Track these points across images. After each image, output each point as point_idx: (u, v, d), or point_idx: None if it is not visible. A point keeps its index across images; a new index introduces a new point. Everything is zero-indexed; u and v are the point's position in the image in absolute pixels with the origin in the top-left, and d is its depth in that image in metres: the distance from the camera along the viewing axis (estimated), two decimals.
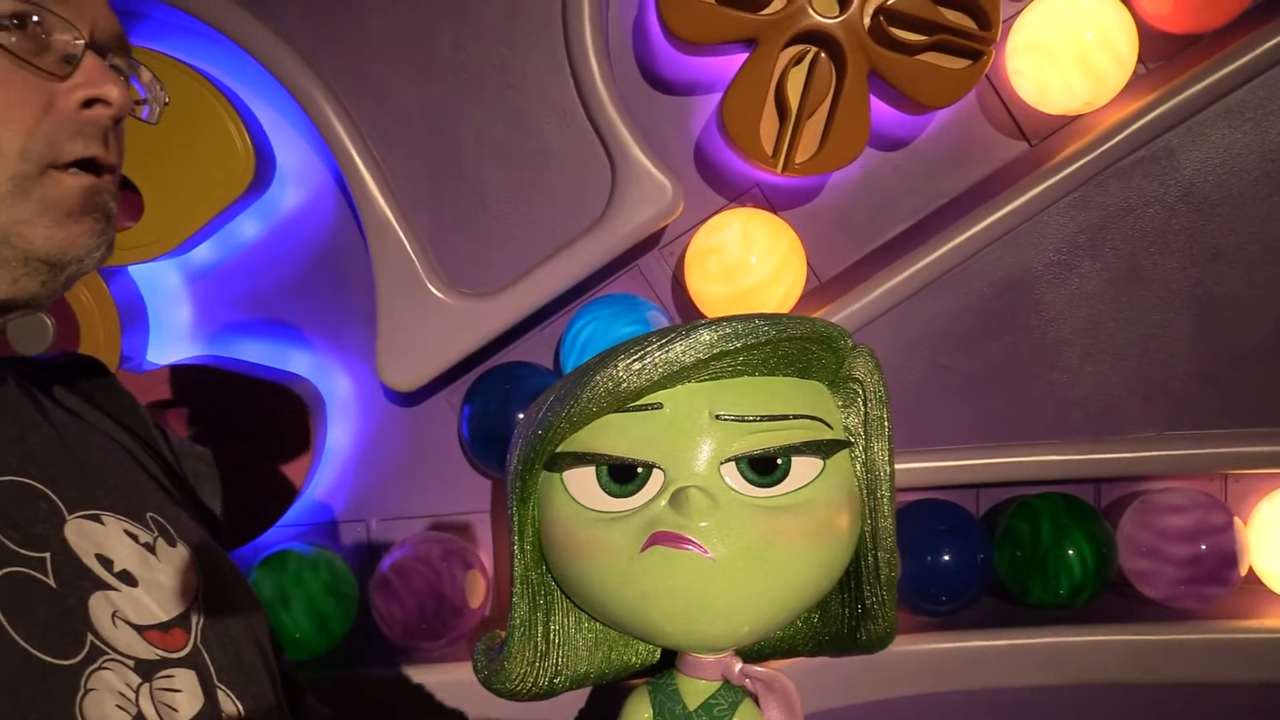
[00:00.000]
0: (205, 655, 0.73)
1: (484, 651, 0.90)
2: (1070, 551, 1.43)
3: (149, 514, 0.76)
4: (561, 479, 0.78)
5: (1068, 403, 1.47)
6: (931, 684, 1.47)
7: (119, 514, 0.73)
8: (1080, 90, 1.38)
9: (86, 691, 0.62)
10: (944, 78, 1.34)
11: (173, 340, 1.54)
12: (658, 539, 0.71)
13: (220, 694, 0.72)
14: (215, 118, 1.36)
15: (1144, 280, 1.42)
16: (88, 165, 0.67)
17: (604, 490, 0.75)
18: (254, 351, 1.55)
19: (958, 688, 1.46)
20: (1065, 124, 1.48)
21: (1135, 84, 1.42)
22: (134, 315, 1.46)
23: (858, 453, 0.83)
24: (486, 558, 1.58)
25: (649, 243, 1.49)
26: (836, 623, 0.89)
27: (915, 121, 1.48)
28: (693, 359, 0.71)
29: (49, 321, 1.38)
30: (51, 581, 0.65)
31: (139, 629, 0.69)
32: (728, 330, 0.72)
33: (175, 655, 0.70)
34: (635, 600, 0.74)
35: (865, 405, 0.82)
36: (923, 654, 1.46)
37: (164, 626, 0.71)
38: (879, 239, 1.53)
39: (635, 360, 0.72)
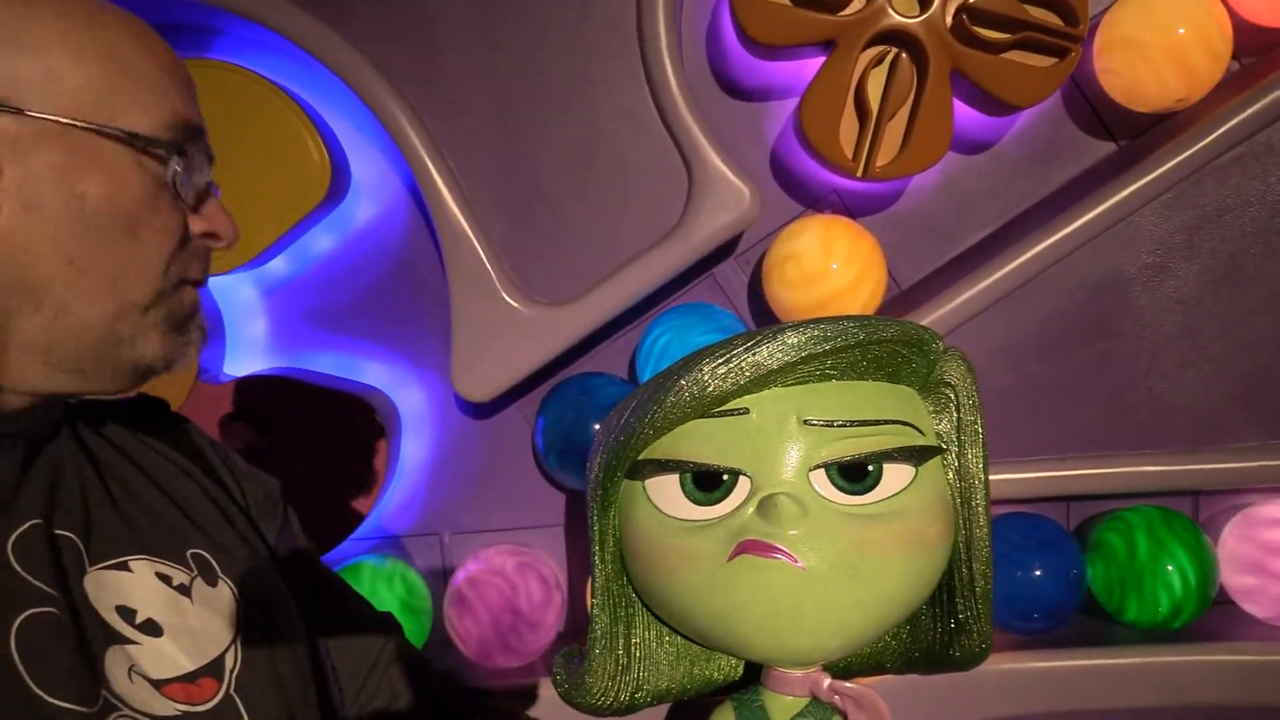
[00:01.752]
0: (239, 703, 0.72)
1: (563, 665, 0.88)
2: (1169, 567, 1.37)
3: (190, 551, 0.76)
4: (644, 487, 0.76)
5: (1164, 411, 1.41)
6: (1023, 705, 1.42)
7: (152, 555, 0.73)
8: (1173, 87, 1.33)
9: None
10: (1030, 76, 1.31)
11: (248, 353, 1.56)
12: (746, 548, 0.68)
13: None
14: (292, 130, 1.37)
15: (1245, 282, 1.36)
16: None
17: (688, 498, 0.73)
18: (328, 364, 1.55)
19: (1051, 709, 1.41)
20: (1154, 123, 1.43)
21: (1229, 80, 1.37)
22: (211, 327, 1.47)
23: (950, 459, 0.79)
24: (562, 572, 1.56)
25: (724, 251, 1.47)
26: (928, 638, 0.85)
27: (997, 123, 1.44)
28: (779, 362, 0.69)
29: None
30: (74, 629, 0.65)
31: (157, 684, 0.68)
32: (815, 333, 0.69)
33: (200, 709, 0.69)
34: (722, 611, 0.72)
35: (958, 410, 0.79)
36: (1014, 673, 1.41)
37: (189, 677, 0.70)
38: (961, 245, 1.49)
39: (721, 364, 0.69)
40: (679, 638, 0.85)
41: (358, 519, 1.48)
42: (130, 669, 0.66)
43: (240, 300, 1.55)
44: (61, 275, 0.63)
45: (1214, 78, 1.34)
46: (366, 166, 1.51)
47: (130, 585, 0.70)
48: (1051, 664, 1.41)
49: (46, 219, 0.62)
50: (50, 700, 0.60)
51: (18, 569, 0.63)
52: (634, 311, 1.44)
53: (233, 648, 0.73)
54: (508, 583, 1.43)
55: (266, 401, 1.44)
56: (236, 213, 1.38)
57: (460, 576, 1.47)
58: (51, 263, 0.63)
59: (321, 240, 1.54)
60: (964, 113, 1.40)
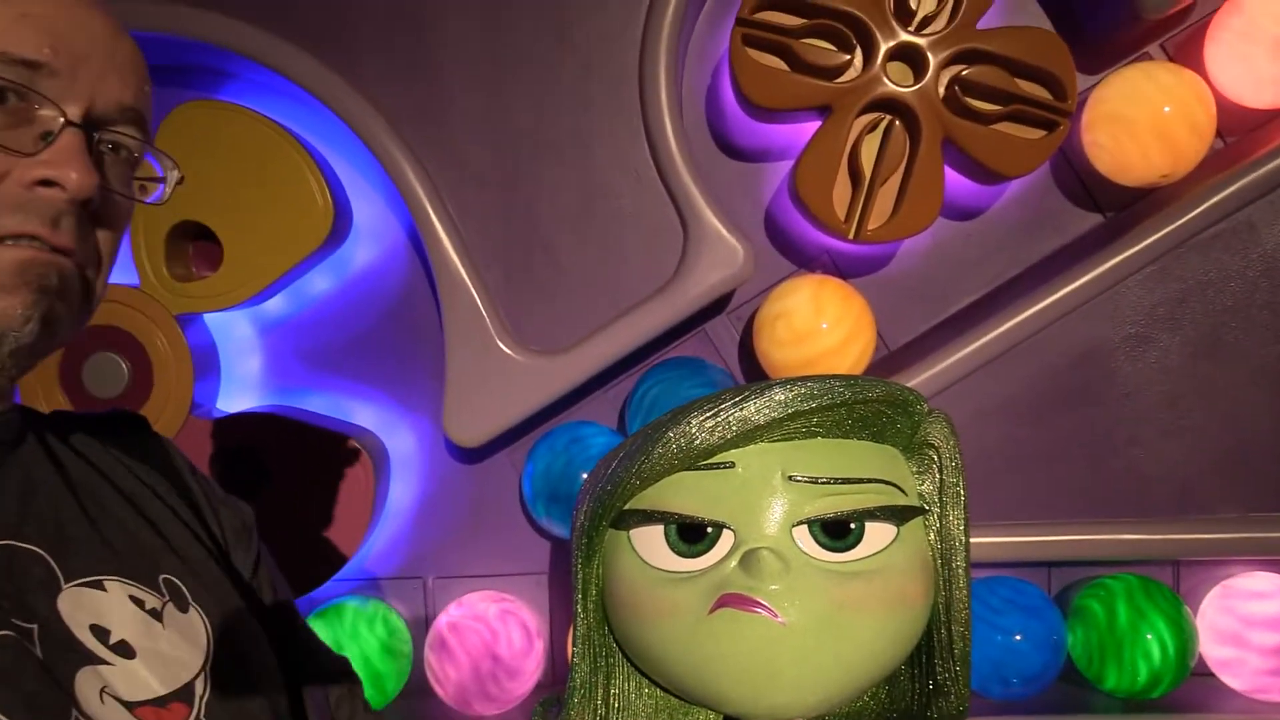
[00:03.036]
0: None
1: (542, 713, 0.88)
2: (1149, 636, 1.38)
3: (162, 576, 0.74)
4: (629, 537, 0.76)
5: (1146, 480, 1.42)
6: None
7: (126, 578, 0.71)
8: (1158, 163, 1.37)
9: None
10: (1019, 147, 1.34)
11: (242, 390, 1.57)
12: (727, 601, 0.69)
13: None
14: (297, 171, 1.39)
15: (1226, 355, 1.39)
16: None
17: (672, 550, 0.74)
18: (321, 404, 1.56)
19: None
20: (1140, 197, 1.46)
21: (1213, 158, 1.41)
22: (207, 363, 1.48)
23: (932, 521, 0.80)
24: (543, 620, 1.56)
25: (716, 307, 1.49)
26: (906, 698, 0.86)
27: (987, 192, 1.47)
28: (766, 418, 0.70)
29: (124, 366, 1.41)
30: (39, 652, 0.63)
31: (130, 705, 0.66)
32: (802, 390, 0.70)
33: None
34: (701, 663, 0.72)
35: (941, 472, 0.80)
36: None
37: (160, 701, 0.68)
38: (949, 309, 1.51)
39: (709, 418, 0.70)
40: (658, 690, 0.85)
41: (342, 559, 1.48)
42: (102, 690, 0.65)
43: (236, 337, 1.56)
44: None
45: (1198, 155, 1.37)
46: (368, 211, 1.53)
47: (104, 605, 0.69)
48: None
49: None
50: None
51: None
52: (626, 363, 1.46)
53: (202, 674, 0.72)
54: (489, 628, 1.43)
55: (258, 438, 1.44)
56: (239, 250, 1.42)
57: (442, 621, 1.47)
58: None
59: (320, 281, 1.55)
60: (955, 180, 1.43)
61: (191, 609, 0.74)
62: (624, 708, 0.85)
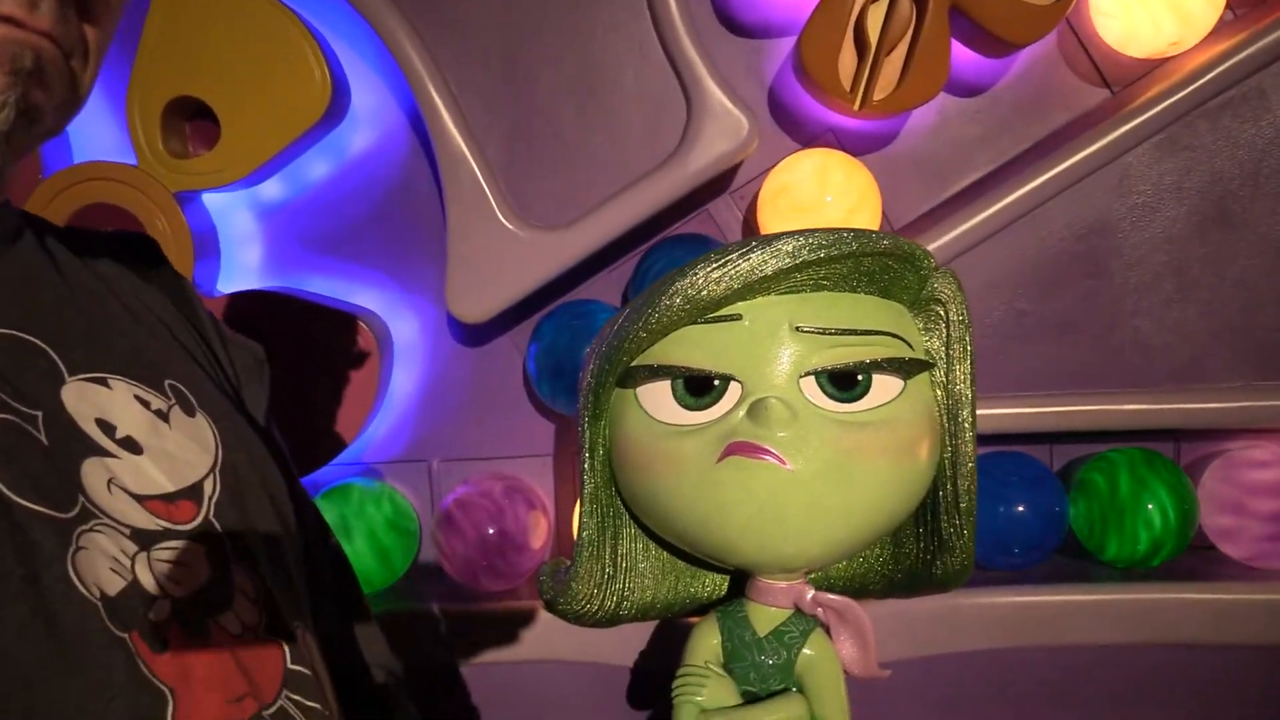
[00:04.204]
0: (218, 528, 0.68)
1: (550, 573, 0.89)
2: (1150, 505, 1.39)
3: (168, 381, 0.72)
4: (635, 394, 0.77)
5: (1150, 350, 1.42)
6: (1001, 639, 1.43)
7: (131, 379, 0.69)
8: (1168, 30, 1.34)
9: (78, 549, 0.58)
10: (1028, 13, 1.31)
11: (243, 275, 1.56)
12: (734, 449, 0.69)
13: (233, 568, 0.68)
14: (295, 46, 1.37)
15: (1233, 224, 1.38)
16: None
17: (679, 403, 0.74)
18: (322, 288, 1.56)
19: (1030, 643, 1.43)
20: (1147, 71, 1.43)
21: (1221, 30, 1.38)
22: (206, 245, 1.47)
23: (938, 375, 0.80)
24: (549, 500, 1.58)
25: (719, 186, 1.47)
26: (910, 558, 0.87)
27: (994, 67, 1.44)
28: (774, 268, 0.69)
29: None
30: (43, 439, 0.60)
31: (139, 498, 0.64)
32: (810, 241, 0.70)
33: (181, 527, 0.65)
34: (710, 512, 0.73)
35: (948, 328, 0.80)
36: (995, 607, 1.42)
37: (169, 497, 0.66)
38: (954, 186, 1.49)
39: (715, 269, 0.70)
40: (665, 553, 0.86)
41: (343, 442, 1.49)
42: (109, 481, 0.63)
43: (236, 224, 1.55)
44: None
45: (1209, 23, 1.35)
46: (366, 95, 1.51)
47: (109, 401, 0.66)
48: (1032, 598, 1.43)
49: None
50: (21, 501, 0.57)
51: None
52: (629, 242, 1.45)
53: (211, 475, 0.70)
54: (495, 505, 1.45)
55: (261, 317, 1.44)
56: (236, 127, 1.39)
57: (449, 499, 1.49)
58: None
59: (319, 166, 1.53)
60: (961, 55, 1.40)
61: (199, 414, 0.73)
62: (630, 568, 0.86)
